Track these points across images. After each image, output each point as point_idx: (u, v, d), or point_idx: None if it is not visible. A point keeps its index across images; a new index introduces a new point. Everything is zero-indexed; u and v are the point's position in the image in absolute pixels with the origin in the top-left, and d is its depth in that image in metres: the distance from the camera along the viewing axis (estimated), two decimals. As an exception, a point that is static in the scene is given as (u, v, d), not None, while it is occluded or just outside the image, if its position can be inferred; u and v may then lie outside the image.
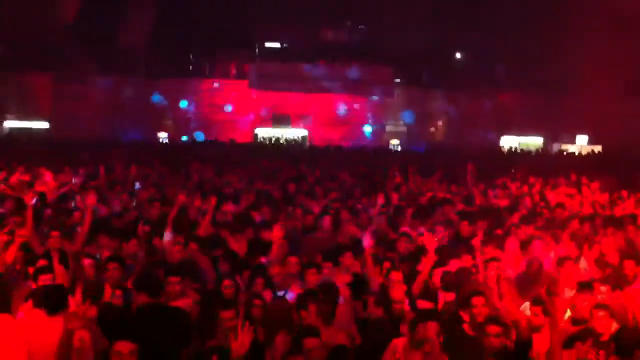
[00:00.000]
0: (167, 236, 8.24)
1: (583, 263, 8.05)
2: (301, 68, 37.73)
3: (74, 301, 5.46)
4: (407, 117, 39.11)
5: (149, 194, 11.58)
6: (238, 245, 8.61)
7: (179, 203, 8.86)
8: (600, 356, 5.42)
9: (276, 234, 7.91)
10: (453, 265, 7.54)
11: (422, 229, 9.60)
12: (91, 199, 8.21)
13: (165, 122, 37.76)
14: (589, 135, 38.54)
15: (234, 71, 39.61)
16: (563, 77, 33.01)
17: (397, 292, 6.54)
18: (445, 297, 6.92)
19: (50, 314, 5.20)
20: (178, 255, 7.76)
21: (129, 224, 9.37)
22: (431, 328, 5.24)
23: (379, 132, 39.70)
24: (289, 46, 40.28)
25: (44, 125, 35.40)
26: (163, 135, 36.50)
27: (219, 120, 37.91)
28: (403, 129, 39.98)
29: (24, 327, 5.17)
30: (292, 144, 35.61)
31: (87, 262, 7.03)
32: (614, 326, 5.70)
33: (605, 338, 5.55)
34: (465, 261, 7.74)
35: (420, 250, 7.89)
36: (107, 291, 6.35)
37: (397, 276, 6.97)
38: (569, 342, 5.46)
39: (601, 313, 5.73)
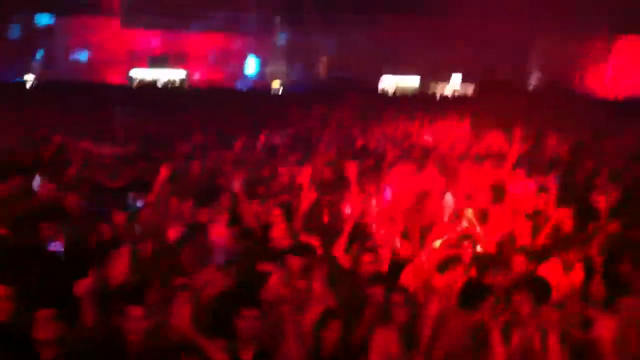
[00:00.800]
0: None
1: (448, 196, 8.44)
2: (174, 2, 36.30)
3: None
4: (289, 56, 38.85)
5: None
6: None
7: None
8: None
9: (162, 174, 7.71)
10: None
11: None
12: None
13: (31, 63, 35.51)
14: (462, 74, 39.85)
15: (105, 6, 37.52)
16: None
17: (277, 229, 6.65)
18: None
19: None
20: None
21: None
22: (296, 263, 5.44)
23: (261, 72, 39.32)
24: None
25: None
26: (29, 78, 34.35)
27: (91, 61, 36.17)
28: (284, 68, 39.78)
29: None
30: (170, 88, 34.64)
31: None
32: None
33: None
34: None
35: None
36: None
37: (276, 211, 7.04)
38: (440, 268, 5.78)
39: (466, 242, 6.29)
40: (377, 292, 5.12)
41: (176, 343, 4.54)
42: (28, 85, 32.27)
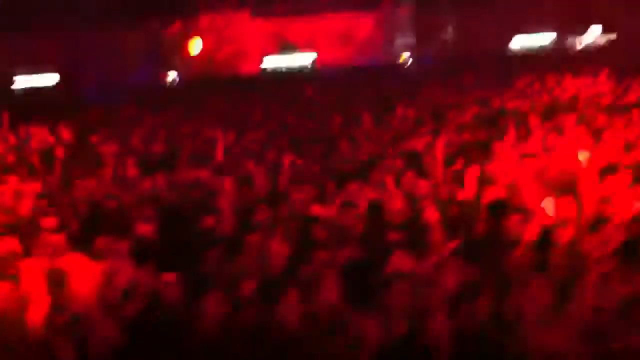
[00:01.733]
0: None
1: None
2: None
3: None
4: (416, 27, 38.23)
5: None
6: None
7: None
8: None
9: None
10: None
11: None
12: None
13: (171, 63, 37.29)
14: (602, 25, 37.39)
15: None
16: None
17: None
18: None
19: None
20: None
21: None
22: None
23: (388, 48, 38.99)
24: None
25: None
26: (172, 75, 36.12)
27: (227, 55, 37.48)
28: (412, 40, 39.18)
29: None
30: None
31: None
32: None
33: None
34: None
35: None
36: None
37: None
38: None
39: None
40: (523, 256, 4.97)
41: (331, 322, 4.64)
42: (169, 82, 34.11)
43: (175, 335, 4.64)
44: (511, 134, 9.12)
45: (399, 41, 39.27)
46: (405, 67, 34.30)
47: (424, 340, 4.47)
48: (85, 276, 5.18)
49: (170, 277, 4.98)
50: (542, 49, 35.44)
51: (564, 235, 5.75)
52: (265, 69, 37.16)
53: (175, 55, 37.16)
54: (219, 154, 9.14)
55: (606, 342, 4.43)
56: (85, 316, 4.78)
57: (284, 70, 36.11)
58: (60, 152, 8.38)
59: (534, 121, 9.89)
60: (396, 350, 4.41)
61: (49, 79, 33.24)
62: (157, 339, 4.64)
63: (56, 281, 5.00)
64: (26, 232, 6.15)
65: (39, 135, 12.23)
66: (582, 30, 37.56)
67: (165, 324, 4.70)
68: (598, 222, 5.64)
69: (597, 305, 4.54)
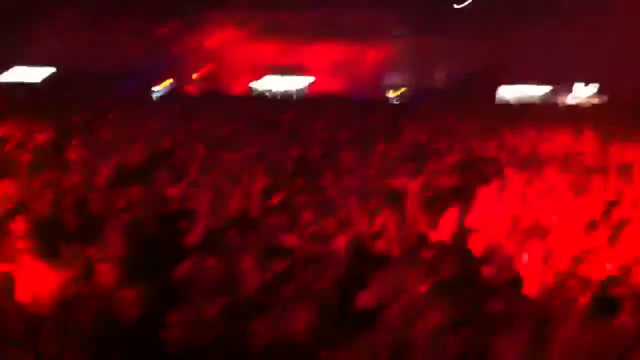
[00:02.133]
0: None
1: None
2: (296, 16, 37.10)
3: None
4: (407, 66, 38.65)
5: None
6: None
7: None
8: None
9: None
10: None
11: None
12: None
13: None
14: (593, 86, 37.91)
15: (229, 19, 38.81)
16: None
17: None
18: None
19: None
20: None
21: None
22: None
23: (378, 84, 39.29)
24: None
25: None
26: (158, 89, 36.06)
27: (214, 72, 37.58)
28: (403, 77, 39.53)
29: None
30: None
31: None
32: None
33: None
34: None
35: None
36: None
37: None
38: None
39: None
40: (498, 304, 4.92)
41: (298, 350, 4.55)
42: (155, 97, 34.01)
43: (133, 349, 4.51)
44: (491, 182, 9.13)
45: (390, 77, 39.66)
46: (394, 102, 34.60)
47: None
48: (37, 283, 5.03)
49: (129, 293, 4.84)
50: (532, 101, 35.96)
51: (534, 287, 5.75)
52: (253, 90, 37.26)
53: (168, 67, 37.20)
54: (194, 171, 9.03)
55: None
56: (33, 323, 4.64)
57: (272, 93, 36.24)
58: (27, 157, 8.21)
59: (512, 172, 9.93)
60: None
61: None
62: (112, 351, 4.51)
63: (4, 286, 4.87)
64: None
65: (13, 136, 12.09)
66: (575, 88, 38.11)
67: (123, 337, 4.58)
68: (568, 278, 5.60)
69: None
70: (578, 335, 4.72)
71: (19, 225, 6.25)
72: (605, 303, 5.10)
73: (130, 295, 4.86)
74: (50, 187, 7.70)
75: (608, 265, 6.22)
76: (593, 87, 37.60)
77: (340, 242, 6.42)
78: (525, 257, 6.37)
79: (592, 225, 6.97)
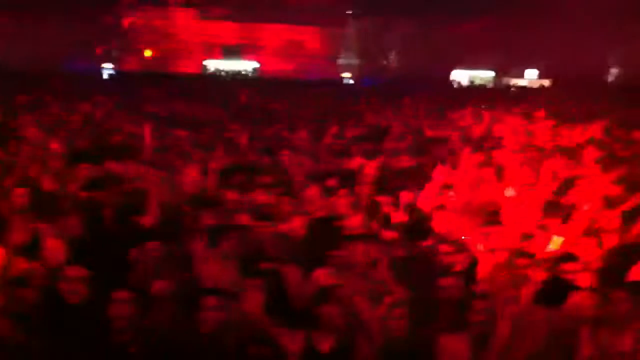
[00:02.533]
0: None
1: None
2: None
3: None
4: (360, 49, 38.74)
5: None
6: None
7: None
8: None
9: None
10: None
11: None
12: None
13: (110, 52, 36.44)
14: (539, 70, 38.93)
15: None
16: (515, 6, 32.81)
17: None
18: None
19: None
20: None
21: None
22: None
23: (331, 65, 39.26)
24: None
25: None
26: (108, 67, 35.29)
27: (167, 52, 36.95)
28: (355, 61, 39.65)
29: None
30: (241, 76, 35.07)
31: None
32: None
33: None
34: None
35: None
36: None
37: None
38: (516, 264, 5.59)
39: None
40: (452, 284, 5.00)
41: (250, 332, 4.53)
42: (106, 75, 33.26)
43: (78, 332, 4.45)
44: (443, 163, 9.23)
45: (343, 59, 39.69)
46: (347, 85, 34.64)
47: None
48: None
49: (75, 271, 4.76)
50: (480, 84, 36.53)
51: (486, 268, 5.85)
52: (205, 70, 36.83)
53: (115, 47, 36.40)
54: (147, 149, 8.87)
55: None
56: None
57: (224, 74, 35.88)
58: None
59: (465, 152, 10.06)
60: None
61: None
62: (57, 332, 4.43)
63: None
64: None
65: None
66: (519, 73, 38.96)
67: (69, 319, 4.50)
68: (518, 257, 5.71)
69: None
70: (530, 315, 4.83)
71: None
72: (558, 281, 5.21)
73: (78, 273, 4.78)
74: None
75: (558, 243, 6.35)
76: (537, 71, 38.53)
77: (298, 222, 6.41)
78: (479, 244, 6.45)
79: (545, 205, 7.09)
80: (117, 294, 4.51)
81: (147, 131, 9.76)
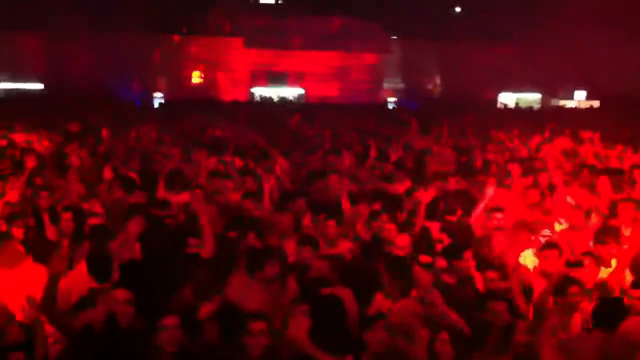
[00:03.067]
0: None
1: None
2: (295, 24, 37.33)
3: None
4: (404, 73, 38.85)
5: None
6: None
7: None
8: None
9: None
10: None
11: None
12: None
13: (160, 80, 37.27)
14: (587, 90, 38.36)
15: (228, 28, 38.99)
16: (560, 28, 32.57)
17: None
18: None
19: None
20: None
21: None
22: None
23: (376, 90, 39.39)
24: (282, 2, 39.96)
25: (38, 86, 35.22)
26: (158, 96, 36.07)
27: (215, 80, 37.64)
28: (400, 85, 39.69)
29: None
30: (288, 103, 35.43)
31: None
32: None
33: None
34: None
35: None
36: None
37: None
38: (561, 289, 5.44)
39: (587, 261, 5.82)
40: (500, 309, 4.91)
41: (296, 358, 4.52)
42: (156, 104, 34.01)
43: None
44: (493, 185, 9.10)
45: (386, 84, 39.79)
46: (390, 109, 34.64)
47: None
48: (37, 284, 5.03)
49: (125, 294, 4.83)
50: (527, 106, 36.14)
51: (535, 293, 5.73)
52: (253, 98, 37.33)
53: (164, 75, 37.22)
54: (202, 178, 8.99)
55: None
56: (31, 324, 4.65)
57: (271, 100, 36.29)
58: (31, 161, 8.24)
59: (514, 174, 9.92)
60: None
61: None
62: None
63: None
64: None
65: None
66: (568, 94, 38.43)
67: (117, 341, 4.55)
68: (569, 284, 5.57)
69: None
70: (578, 342, 4.71)
71: (18, 231, 6.29)
72: (611, 306, 5.04)
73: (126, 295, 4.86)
74: (50, 191, 7.72)
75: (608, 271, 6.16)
76: (585, 92, 38.01)
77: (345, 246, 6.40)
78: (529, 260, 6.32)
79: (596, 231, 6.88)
80: (166, 319, 4.56)
81: (202, 157, 9.92)
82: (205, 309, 4.86)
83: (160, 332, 4.48)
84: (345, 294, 5.32)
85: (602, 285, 5.76)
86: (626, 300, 5.12)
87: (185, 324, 4.55)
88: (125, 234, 6.30)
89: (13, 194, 7.68)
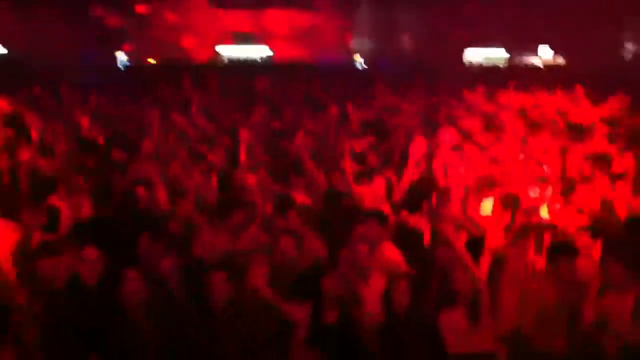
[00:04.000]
0: None
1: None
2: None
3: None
4: (370, 31, 38.61)
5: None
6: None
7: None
8: None
9: None
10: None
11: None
12: None
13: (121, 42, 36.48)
14: (551, 47, 38.47)
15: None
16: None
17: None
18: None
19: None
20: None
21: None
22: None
23: (344, 48, 39.16)
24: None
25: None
26: (122, 58, 35.37)
27: (180, 41, 37.09)
28: (368, 44, 39.48)
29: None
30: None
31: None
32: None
33: None
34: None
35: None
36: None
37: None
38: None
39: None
40: (443, 255, 5.07)
41: (257, 306, 4.62)
42: (120, 65, 33.46)
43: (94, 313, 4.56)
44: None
45: (354, 42, 39.57)
46: (358, 67, 34.61)
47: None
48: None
49: (91, 253, 4.87)
50: (493, 63, 36.29)
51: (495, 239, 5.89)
52: (217, 57, 36.89)
53: (127, 37, 36.56)
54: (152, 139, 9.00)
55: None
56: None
57: (235, 61, 35.97)
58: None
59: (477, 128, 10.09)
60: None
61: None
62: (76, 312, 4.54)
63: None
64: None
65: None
66: (532, 50, 38.59)
67: (84, 300, 4.61)
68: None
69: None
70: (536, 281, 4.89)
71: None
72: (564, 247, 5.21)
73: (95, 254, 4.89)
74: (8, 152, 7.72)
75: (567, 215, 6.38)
76: (550, 50, 38.16)
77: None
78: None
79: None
80: (128, 272, 4.62)
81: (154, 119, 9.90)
82: (167, 262, 4.91)
83: (123, 286, 4.54)
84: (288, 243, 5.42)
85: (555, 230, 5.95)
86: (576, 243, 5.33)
87: (147, 278, 4.62)
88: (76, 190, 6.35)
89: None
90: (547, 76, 23.73)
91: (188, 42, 37.02)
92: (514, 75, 20.90)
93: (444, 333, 4.64)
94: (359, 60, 37.55)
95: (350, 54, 38.63)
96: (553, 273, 4.84)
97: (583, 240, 5.48)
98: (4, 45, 34.14)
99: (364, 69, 33.16)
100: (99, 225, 5.90)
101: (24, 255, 4.95)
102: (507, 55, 39.07)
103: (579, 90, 14.87)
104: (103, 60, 31.66)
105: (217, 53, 37.15)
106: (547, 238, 5.67)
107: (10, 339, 4.31)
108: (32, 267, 4.78)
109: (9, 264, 4.95)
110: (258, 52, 37.64)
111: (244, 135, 8.12)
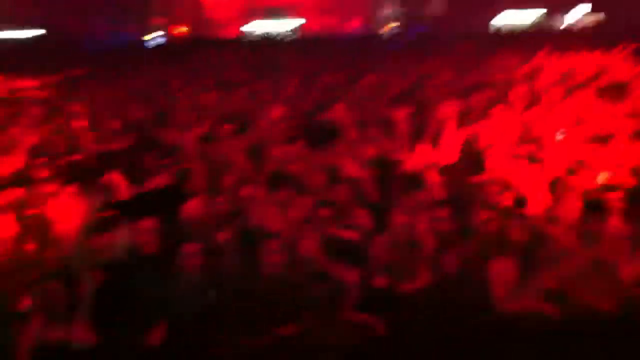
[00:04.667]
0: None
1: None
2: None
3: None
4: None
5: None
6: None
7: None
8: None
9: None
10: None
11: None
12: None
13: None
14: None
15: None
16: None
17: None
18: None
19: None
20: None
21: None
22: None
23: (373, 19, 38.85)
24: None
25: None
26: (156, 36, 35.61)
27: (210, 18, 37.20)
28: (397, 13, 39.06)
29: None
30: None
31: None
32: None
33: None
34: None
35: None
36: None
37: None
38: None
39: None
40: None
41: (309, 272, 4.81)
42: (154, 44, 33.77)
43: (155, 281, 4.79)
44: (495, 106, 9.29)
45: (384, 13, 39.21)
46: (388, 38, 34.30)
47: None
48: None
49: (148, 223, 5.10)
50: (528, 25, 35.55)
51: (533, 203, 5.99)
52: (245, 33, 36.88)
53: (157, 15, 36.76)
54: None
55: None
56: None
57: (265, 35, 35.88)
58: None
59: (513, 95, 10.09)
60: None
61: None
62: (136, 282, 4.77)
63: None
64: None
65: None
66: (570, 8, 37.54)
67: (143, 269, 4.83)
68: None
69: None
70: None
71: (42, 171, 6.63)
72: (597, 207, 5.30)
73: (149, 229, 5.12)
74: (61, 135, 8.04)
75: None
76: (587, 7, 37.05)
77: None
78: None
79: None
80: (187, 246, 4.84)
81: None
82: (223, 235, 5.12)
83: (183, 259, 4.76)
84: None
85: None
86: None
87: (205, 250, 4.83)
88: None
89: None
90: (587, 35, 23.24)
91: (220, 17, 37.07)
92: (553, 36, 20.61)
93: (493, 285, 4.69)
94: (393, 29, 37.23)
95: (383, 22, 38.35)
96: (590, 230, 4.94)
97: (616, 198, 5.57)
98: (42, 26, 34.61)
99: (397, 38, 32.83)
100: (153, 197, 6.16)
101: (89, 229, 5.20)
102: (545, 15, 38.25)
103: (620, 48, 14.68)
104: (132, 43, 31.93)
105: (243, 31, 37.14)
106: (585, 196, 5.75)
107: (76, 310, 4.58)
108: (95, 239, 5.05)
109: (75, 237, 5.22)
110: (290, 25, 37.55)
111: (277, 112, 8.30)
